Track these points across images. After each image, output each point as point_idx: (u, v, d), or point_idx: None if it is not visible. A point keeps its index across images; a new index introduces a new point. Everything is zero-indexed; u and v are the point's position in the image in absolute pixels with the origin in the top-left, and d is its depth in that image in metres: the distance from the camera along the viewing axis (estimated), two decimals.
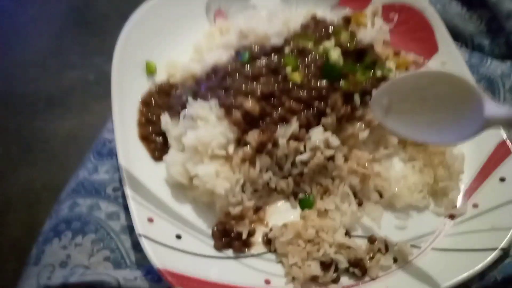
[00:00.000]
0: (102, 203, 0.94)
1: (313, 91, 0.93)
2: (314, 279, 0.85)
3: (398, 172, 1.00)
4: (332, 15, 1.15)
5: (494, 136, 0.97)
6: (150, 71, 1.04)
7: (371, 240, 0.91)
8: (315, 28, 1.02)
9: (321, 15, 1.10)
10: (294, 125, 0.90)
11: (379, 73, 1.00)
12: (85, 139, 1.30)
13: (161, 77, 1.06)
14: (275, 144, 0.90)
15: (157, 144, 0.95)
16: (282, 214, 0.95)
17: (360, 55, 1.01)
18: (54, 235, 0.91)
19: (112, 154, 0.98)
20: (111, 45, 1.01)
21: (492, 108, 0.65)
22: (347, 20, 1.14)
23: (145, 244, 0.79)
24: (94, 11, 1.01)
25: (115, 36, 1.03)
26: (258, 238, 0.91)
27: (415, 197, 0.97)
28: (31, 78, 2.43)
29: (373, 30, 1.13)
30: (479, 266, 0.82)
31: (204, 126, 0.89)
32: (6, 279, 1.21)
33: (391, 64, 1.09)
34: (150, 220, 0.84)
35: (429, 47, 1.16)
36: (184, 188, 0.92)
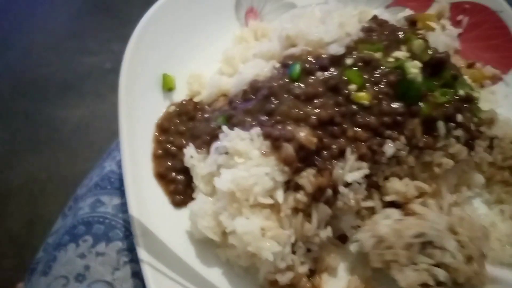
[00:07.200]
0: None
1: (386, 116, 0.70)
2: None
3: (483, 219, 0.78)
4: (387, 17, 0.92)
5: None
6: (168, 86, 0.81)
7: None
8: (381, 33, 0.79)
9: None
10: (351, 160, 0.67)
11: (461, 91, 0.78)
12: (97, 129, 1.17)
13: (181, 93, 0.83)
14: (336, 189, 0.68)
15: (177, 184, 0.72)
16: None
17: (436, 67, 0.79)
18: (70, 239, 0.72)
19: None
20: (130, 31, 0.80)
21: None
22: (412, 23, 0.91)
23: None
24: None
25: (136, 22, 0.82)
26: None
27: (509, 252, 0.75)
28: (44, 61, 2.30)
29: (444, 36, 0.91)
30: None
31: (243, 164, 0.65)
32: (4, 276, 1.13)
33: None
34: None
35: (508, 57, 0.96)
36: (214, 245, 0.69)
